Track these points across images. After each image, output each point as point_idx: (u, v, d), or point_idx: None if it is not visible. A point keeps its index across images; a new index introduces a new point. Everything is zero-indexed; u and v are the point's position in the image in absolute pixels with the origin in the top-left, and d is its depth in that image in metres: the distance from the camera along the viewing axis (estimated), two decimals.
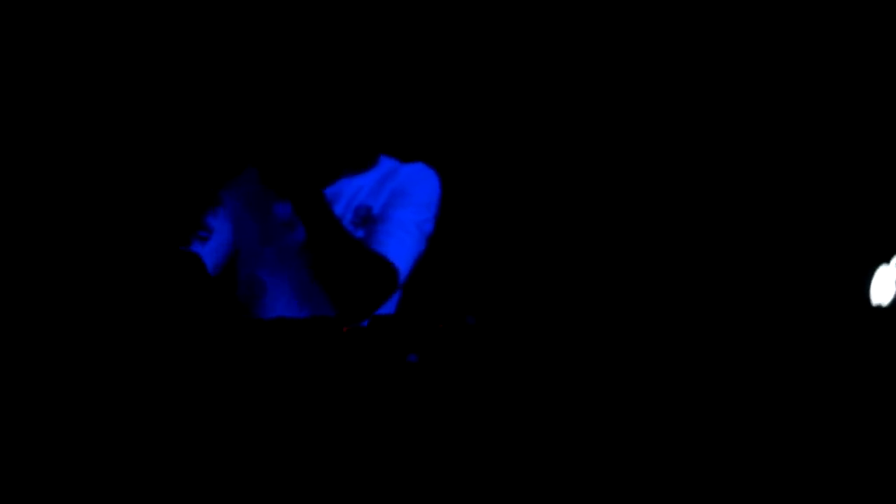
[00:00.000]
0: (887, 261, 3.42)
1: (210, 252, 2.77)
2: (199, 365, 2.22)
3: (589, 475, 2.55)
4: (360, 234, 2.63)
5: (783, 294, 3.45)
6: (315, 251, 2.55)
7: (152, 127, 3.97)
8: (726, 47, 3.55)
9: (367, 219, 2.66)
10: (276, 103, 2.72)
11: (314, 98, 2.66)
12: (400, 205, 2.66)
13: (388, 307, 2.71)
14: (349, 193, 2.70)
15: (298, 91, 2.68)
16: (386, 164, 2.77)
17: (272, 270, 2.70)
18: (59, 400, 2.43)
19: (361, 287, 2.53)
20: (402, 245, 2.61)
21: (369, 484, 2.19)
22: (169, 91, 3.85)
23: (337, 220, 2.55)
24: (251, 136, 2.76)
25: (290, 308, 2.65)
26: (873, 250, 3.45)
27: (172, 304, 2.46)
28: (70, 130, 3.95)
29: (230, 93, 3.75)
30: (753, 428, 3.29)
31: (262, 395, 2.20)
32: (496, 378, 2.44)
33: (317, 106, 2.65)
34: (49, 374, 2.52)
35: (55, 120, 4.07)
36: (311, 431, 2.20)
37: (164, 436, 2.20)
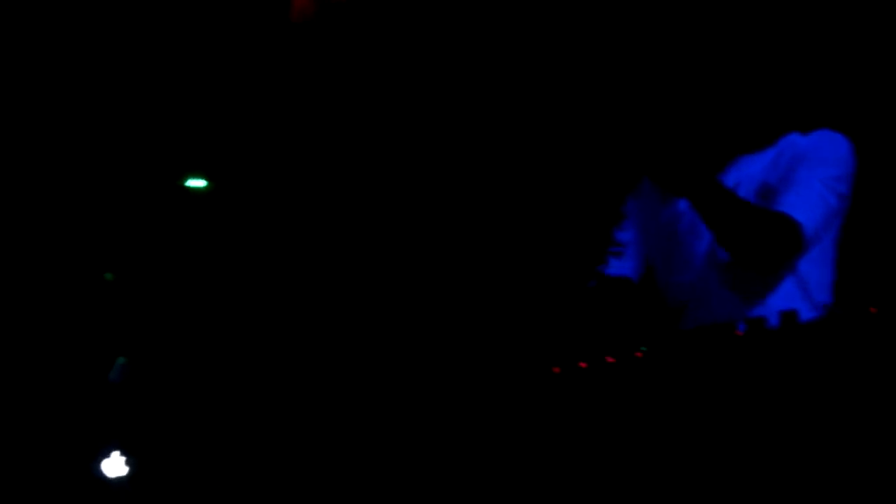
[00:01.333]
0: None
1: (629, 267, 2.76)
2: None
3: None
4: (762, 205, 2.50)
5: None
6: (721, 236, 2.44)
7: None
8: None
9: (769, 192, 2.53)
10: (656, 102, 2.67)
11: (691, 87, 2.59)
12: (800, 167, 2.51)
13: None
14: (748, 177, 2.59)
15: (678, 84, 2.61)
16: (785, 139, 2.62)
17: (689, 273, 2.63)
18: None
19: (763, 248, 2.41)
20: (802, 200, 2.45)
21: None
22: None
23: (740, 198, 2.45)
24: (637, 144, 2.64)
25: (716, 310, 2.53)
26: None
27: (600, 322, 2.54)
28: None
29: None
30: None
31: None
32: None
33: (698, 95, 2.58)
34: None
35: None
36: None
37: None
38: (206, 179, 6.78)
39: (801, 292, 2.52)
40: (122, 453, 5.82)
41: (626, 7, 4.00)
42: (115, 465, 5.77)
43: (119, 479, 5.71)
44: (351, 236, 5.98)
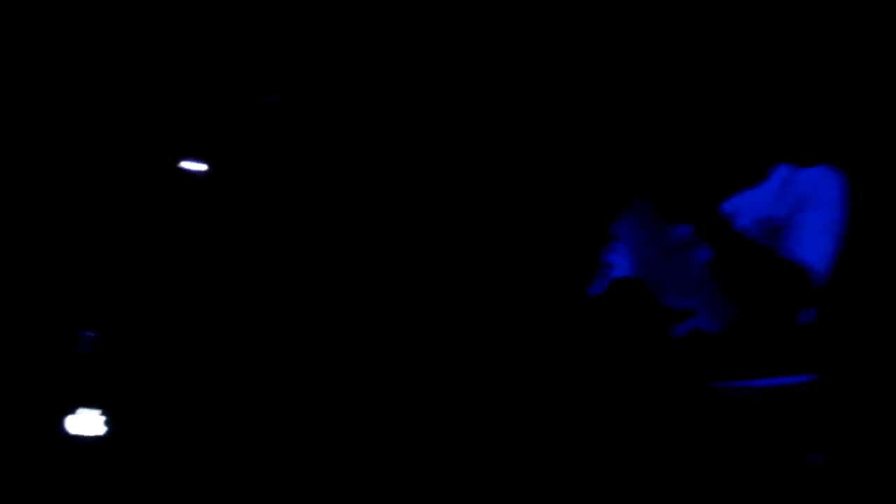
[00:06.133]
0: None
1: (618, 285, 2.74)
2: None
3: None
4: (770, 243, 2.54)
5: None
6: (724, 269, 2.50)
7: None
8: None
9: (775, 229, 2.57)
10: (658, 123, 2.66)
11: (696, 115, 2.60)
12: (805, 208, 2.56)
13: (808, 315, 2.60)
14: (751, 207, 2.62)
15: (682, 111, 2.62)
16: (783, 171, 2.66)
17: (680, 294, 2.65)
18: None
19: (776, 294, 2.44)
20: (812, 247, 2.50)
21: None
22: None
23: (741, 235, 2.49)
24: (637, 165, 2.70)
25: (707, 325, 2.60)
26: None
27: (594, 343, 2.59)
28: None
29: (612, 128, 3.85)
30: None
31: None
32: None
33: (702, 122, 2.60)
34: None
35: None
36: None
37: None
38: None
39: None
40: (96, 412, 5.88)
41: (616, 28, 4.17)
42: (86, 423, 5.84)
43: (91, 438, 5.75)
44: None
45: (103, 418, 5.87)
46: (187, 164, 6.19)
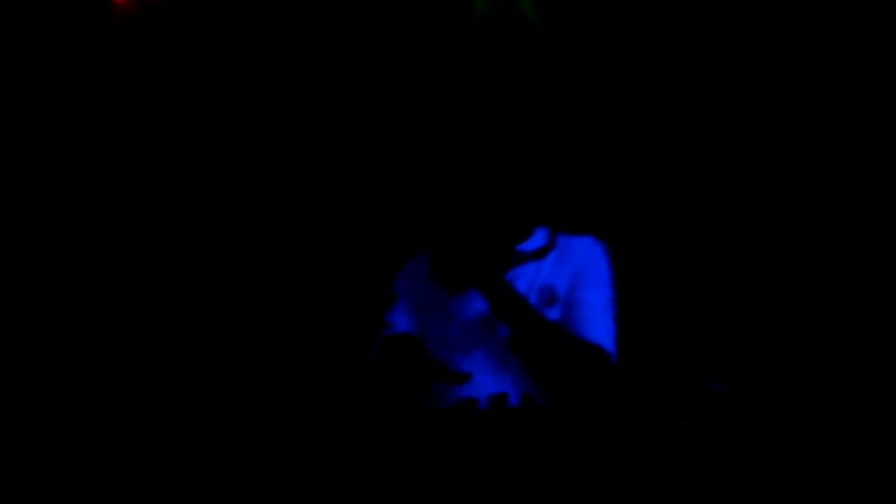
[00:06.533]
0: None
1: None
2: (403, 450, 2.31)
3: None
4: (552, 315, 2.60)
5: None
6: (510, 332, 2.55)
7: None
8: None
9: (554, 299, 2.62)
10: (444, 187, 2.69)
11: (479, 180, 2.63)
12: (586, 285, 2.62)
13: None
14: (529, 274, 2.66)
15: (465, 175, 2.65)
16: (556, 239, 2.72)
17: (461, 351, 2.64)
18: None
19: (577, 376, 2.50)
20: (606, 328, 2.57)
21: None
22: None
23: (523, 301, 2.54)
24: (422, 222, 2.73)
25: (486, 385, 2.58)
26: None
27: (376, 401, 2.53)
28: None
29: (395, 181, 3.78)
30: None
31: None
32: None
33: (484, 189, 2.63)
34: None
35: None
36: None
37: None
38: None
39: None
40: None
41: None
42: None
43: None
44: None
45: None
46: None
